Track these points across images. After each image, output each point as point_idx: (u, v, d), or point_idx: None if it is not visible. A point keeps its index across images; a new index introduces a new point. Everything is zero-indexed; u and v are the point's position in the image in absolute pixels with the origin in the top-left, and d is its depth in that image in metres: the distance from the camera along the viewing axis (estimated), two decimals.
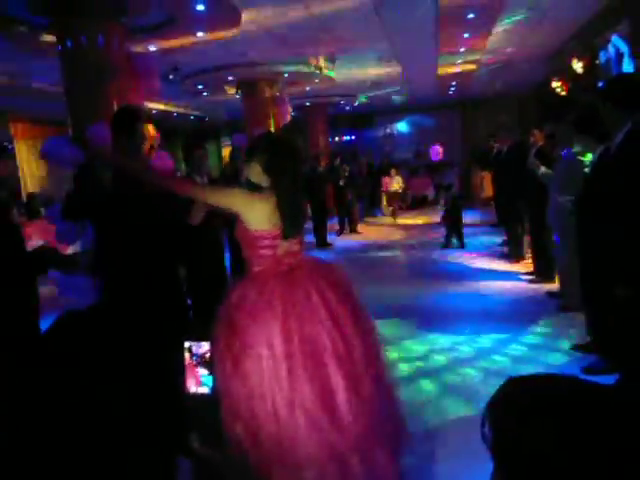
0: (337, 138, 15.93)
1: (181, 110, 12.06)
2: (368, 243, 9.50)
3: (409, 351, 4.06)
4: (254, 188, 2.27)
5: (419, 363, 3.82)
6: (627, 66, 6.59)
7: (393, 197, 12.33)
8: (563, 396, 0.63)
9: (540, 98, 10.80)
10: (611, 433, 0.58)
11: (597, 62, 7.64)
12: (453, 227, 8.00)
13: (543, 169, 4.77)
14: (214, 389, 0.98)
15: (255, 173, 2.27)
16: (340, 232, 10.72)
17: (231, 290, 2.12)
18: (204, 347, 0.96)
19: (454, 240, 8.00)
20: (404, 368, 3.72)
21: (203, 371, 0.97)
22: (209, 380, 0.98)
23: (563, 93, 9.34)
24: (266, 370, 1.87)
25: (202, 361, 0.97)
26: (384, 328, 4.72)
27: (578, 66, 8.15)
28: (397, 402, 2.22)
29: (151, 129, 2.74)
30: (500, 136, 7.18)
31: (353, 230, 10.85)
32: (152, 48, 5.75)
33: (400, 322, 4.80)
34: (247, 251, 2.24)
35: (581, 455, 0.57)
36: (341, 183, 10.71)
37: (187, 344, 0.98)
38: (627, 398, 0.63)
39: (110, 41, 4.57)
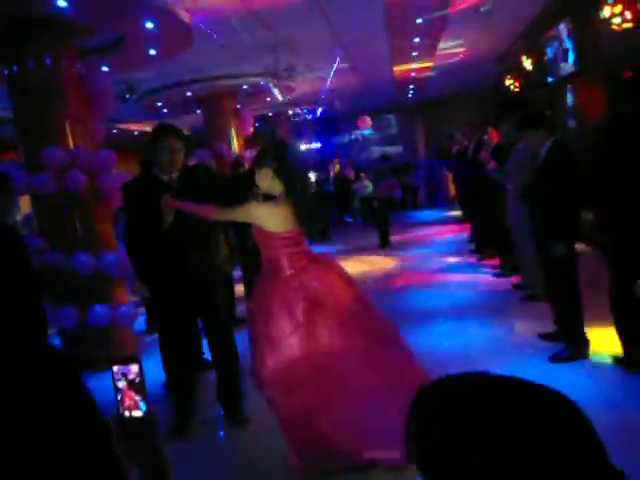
0: (303, 147, 15.99)
1: (142, 128, 11.91)
2: (339, 249, 9.54)
3: None
4: (267, 197, 2.46)
5: None
6: (572, 61, 6.85)
7: (365, 202, 12.39)
8: (476, 401, 0.61)
9: (495, 96, 11.09)
10: (525, 437, 0.57)
11: (545, 58, 7.91)
12: (381, 228, 8.85)
13: (492, 165, 4.89)
14: (148, 412, 0.97)
15: (267, 179, 2.43)
16: (313, 240, 10.73)
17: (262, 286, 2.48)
18: (133, 370, 0.95)
19: (383, 240, 8.84)
20: None
21: (136, 396, 0.96)
22: (143, 404, 0.96)
23: (517, 90, 9.62)
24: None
25: (133, 386, 0.95)
26: None
27: (528, 63, 8.42)
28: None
29: (175, 143, 2.99)
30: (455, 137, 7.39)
31: (325, 237, 10.89)
32: (105, 68, 5.67)
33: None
34: (272, 252, 2.47)
35: (502, 460, 0.56)
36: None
37: (116, 368, 0.96)
38: (545, 402, 0.61)
39: (59, 63, 4.50)
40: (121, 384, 0.95)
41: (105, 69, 5.47)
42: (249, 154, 7.91)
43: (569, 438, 0.57)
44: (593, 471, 0.56)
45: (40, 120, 4.45)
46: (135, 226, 3.09)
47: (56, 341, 4.73)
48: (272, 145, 2.59)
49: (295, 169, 2.44)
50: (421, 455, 0.62)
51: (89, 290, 4.49)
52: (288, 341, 2.34)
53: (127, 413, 0.95)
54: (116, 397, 0.96)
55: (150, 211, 2.80)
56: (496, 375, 0.65)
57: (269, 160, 2.43)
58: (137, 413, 0.95)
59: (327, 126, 15.80)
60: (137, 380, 0.94)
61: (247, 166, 5.53)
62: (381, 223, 8.89)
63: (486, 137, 5.81)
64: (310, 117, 13.30)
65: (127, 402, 0.95)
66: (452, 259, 7.16)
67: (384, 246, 8.77)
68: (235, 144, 8.89)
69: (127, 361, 0.95)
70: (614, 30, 5.73)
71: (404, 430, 0.66)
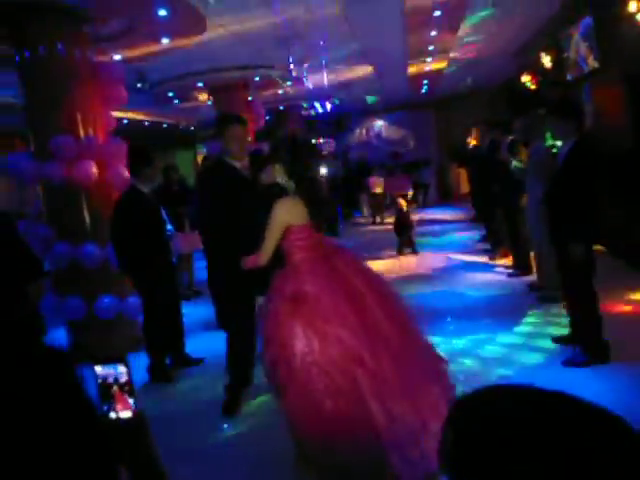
0: (314, 141, 15.88)
1: (153, 119, 11.88)
2: (348, 244, 9.46)
3: None
4: (280, 190, 2.57)
5: None
6: (592, 59, 6.68)
7: (376, 199, 12.27)
8: (512, 417, 0.57)
9: (510, 93, 10.91)
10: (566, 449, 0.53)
11: (564, 56, 7.74)
12: (404, 235, 7.92)
13: (515, 163, 4.80)
14: (138, 413, 0.91)
15: (279, 175, 2.59)
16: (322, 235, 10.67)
17: (279, 278, 2.46)
18: (120, 370, 0.88)
19: (406, 247, 7.94)
20: None
21: (127, 397, 0.89)
22: (133, 404, 0.90)
23: (533, 87, 9.45)
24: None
25: (123, 388, 0.89)
26: None
27: (546, 60, 8.24)
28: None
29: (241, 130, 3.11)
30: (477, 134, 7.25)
31: (333, 233, 10.82)
32: (117, 57, 5.62)
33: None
34: (287, 244, 2.54)
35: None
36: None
37: (99, 369, 0.89)
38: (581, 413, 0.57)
39: (71, 50, 4.44)
40: (106, 385, 0.88)
41: (117, 57, 5.42)
42: (267, 147, 7.84)
43: (620, 459, 0.53)
44: None
45: (50, 108, 4.39)
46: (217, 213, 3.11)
47: (61, 332, 4.70)
48: (285, 141, 2.70)
49: (306, 166, 2.60)
50: (457, 467, 0.59)
51: (97, 281, 4.45)
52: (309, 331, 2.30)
53: (114, 415, 0.89)
54: (99, 399, 0.90)
55: (230, 199, 2.95)
56: (539, 388, 0.61)
57: (281, 156, 2.63)
58: (126, 414, 0.89)
59: (338, 122, 15.68)
60: (126, 380, 0.87)
61: None
62: (405, 228, 7.88)
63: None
64: (321, 111, 13.17)
65: (115, 403, 0.89)
66: (464, 258, 7.05)
67: (411, 252, 7.91)
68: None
69: (113, 361, 0.89)
70: (638, 27, 5.56)
71: (439, 438, 0.63)
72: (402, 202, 7.90)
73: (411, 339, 2.46)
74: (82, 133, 4.49)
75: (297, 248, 2.51)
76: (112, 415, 0.92)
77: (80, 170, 4.36)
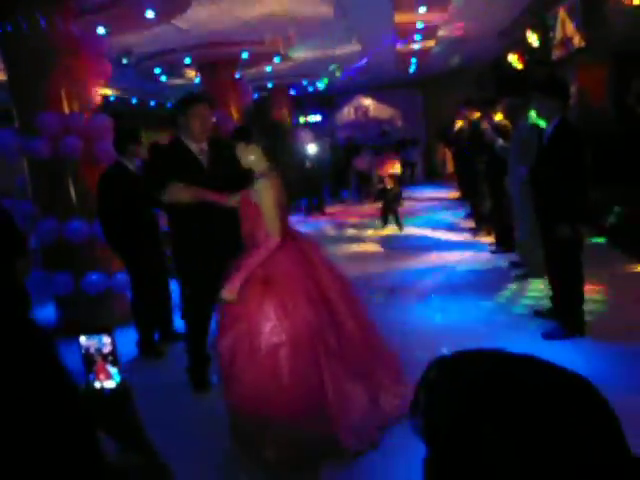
0: (303, 119, 15.73)
1: (140, 96, 11.68)
2: (334, 223, 9.53)
3: None
4: (248, 174, 2.53)
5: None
6: (579, 38, 6.72)
7: (364, 178, 12.28)
8: (494, 376, 0.59)
9: (497, 72, 10.91)
10: (547, 416, 0.55)
11: (551, 35, 7.75)
12: (390, 211, 8.05)
13: (500, 142, 4.86)
14: (122, 383, 0.95)
15: (252, 154, 2.50)
16: (308, 213, 10.72)
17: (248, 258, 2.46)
18: (104, 340, 0.92)
19: (391, 222, 8.05)
20: None
21: (110, 367, 0.94)
22: (116, 375, 0.95)
23: (520, 66, 9.46)
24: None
25: (106, 358, 0.93)
26: None
27: (533, 39, 8.25)
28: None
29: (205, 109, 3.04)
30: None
31: (320, 211, 10.87)
32: (101, 30, 5.51)
33: (368, 298, 4.85)
34: (254, 226, 2.50)
35: (519, 440, 0.54)
36: (307, 165, 10.66)
37: (83, 339, 0.92)
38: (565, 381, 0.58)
39: (54, 23, 4.36)
40: (90, 355, 0.93)
41: (102, 31, 5.33)
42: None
43: (587, 420, 0.55)
44: (610, 455, 0.54)
45: (34, 83, 4.34)
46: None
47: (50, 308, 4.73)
48: (264, 123, 2.67)
49: (283, 147, 2.59)
50: (428, 427, 0.60)
51: (84, 257, 4.47)
52: (256, 313, 2.35)
53: (98, 384, 0.94)
54: (85, 368, 0.94)
55: (180, 180, 2.85)
56: (513, 353, 0.63)
57: (259, 137, 2.51)
58: (110, 384, 0.94)
59: (326, 101, 15.55)
60: (109, 351, 0.92)
61: None
62: (389, 207, 8.04)
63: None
64: (311, 89, 13.04)
65: (98, 373, 0.94)
66: (449, 235, 7.17)
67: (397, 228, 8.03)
68: (234, 114, 8.75)
69: (97, 331, 0.93)
70: (623, 6, 5.60)
71: (411, 399, 0.64)
72: (390, 179, 8.03)
73: (362, 322, 2.59)
74: (66, 108, 4.45)
75: (263, 229, 2.50)
76: (97, 385, 0.96)
77: (66, 146, 4.34)
